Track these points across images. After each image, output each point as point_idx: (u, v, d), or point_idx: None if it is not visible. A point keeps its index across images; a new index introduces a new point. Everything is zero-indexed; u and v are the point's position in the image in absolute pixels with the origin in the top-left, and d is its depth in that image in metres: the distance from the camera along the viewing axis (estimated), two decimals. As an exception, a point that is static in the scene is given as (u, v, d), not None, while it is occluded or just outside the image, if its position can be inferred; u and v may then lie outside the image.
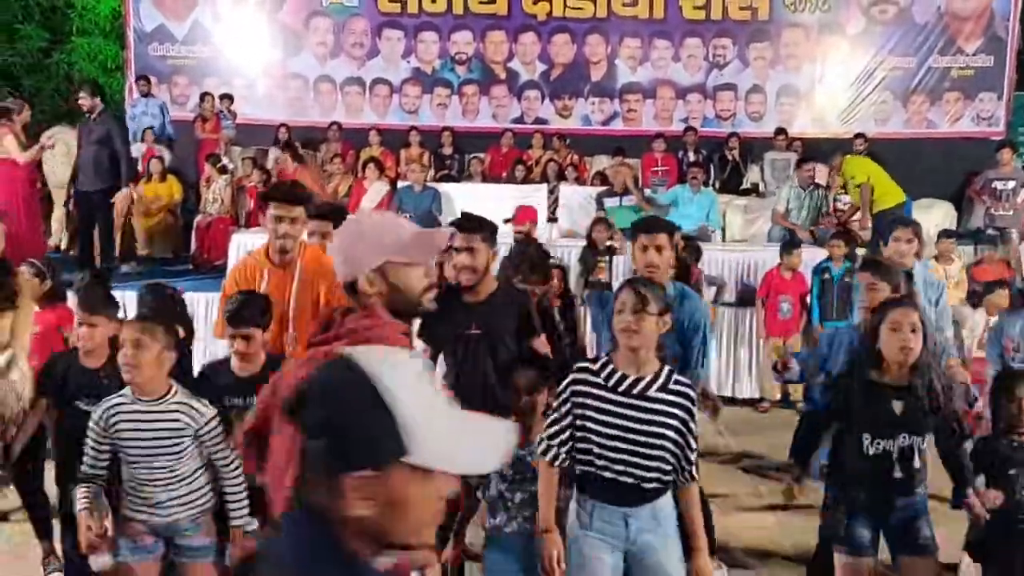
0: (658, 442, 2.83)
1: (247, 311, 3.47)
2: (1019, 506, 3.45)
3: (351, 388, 1.23)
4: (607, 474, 2.86)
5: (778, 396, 7.74)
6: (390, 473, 1.22)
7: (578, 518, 2.96)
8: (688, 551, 2.94)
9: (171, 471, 3.16)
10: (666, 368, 2.91)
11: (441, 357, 3.79)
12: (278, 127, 11.75)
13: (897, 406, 3.12)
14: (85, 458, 3.21)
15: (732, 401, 7.47)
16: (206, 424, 3.18)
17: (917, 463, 3.16)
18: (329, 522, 1.24)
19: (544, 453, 2.97)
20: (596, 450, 2.86)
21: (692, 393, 2.90)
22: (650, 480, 2.85)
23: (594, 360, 2.99)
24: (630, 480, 2.84)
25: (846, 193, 9.46)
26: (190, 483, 3.20)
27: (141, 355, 3.07)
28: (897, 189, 8.97)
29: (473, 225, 3.75)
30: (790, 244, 7.94)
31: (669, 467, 2.86)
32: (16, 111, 8.40)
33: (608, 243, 7.57)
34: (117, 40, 13.37)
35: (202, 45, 12.61)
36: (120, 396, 3.19)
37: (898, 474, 3.12)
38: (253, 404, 3.41)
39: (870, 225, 8.95)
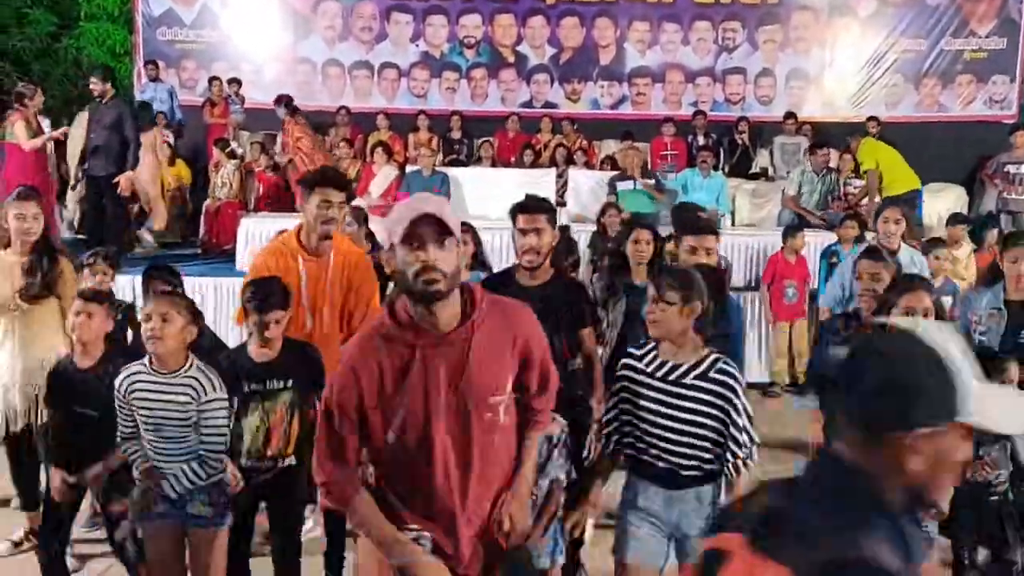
0: (694, 430, 2.82)
1: (274, 297, 3.47)
2: (989, 483, 3.48)
3: (918, 355, 1.38)
4: (647, 458, 2.89)
5: (787, 380, 7.73)
6: (945, 432, 1.37)
7: (625, 497, 3.00)
8: None
9: (180, 442, 3.21)
10: (711, 356, 2.88)
11: None
12: (286, 111, 11.72)
13: None
14: (120, 422, 3.30)
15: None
16: (208, 399, 3.21)
17: None
18: (865, 475, 1.38)
19: (605, 446, 3.04)
20: (638, 434, 2.91)
21: (734, 382, 2.86)
22: (688, 468, 2.85)
23: (641, 346, 3.01)
24: (668, 465, 2.86)
25: (858, 177, 9.42)
26: (193, 454, 3.24)
27: (167, 328, 3.14)
28: (911, 175, 8.93)
29: (537, 206, 3.72)
30: (793, 227, 7.90)
31: (709, 455, 2.85)
32: (29, 96, 8.42)
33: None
34: (125, 25, 13.36)
35: (210, 29, 12.61)
36: (139, 364, 3.24)
37: None
38: (273, 388, 3.44)
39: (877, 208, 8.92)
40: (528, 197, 3.84)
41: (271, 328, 3.45)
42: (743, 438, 2.84)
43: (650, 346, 2.96)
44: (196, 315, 3.31)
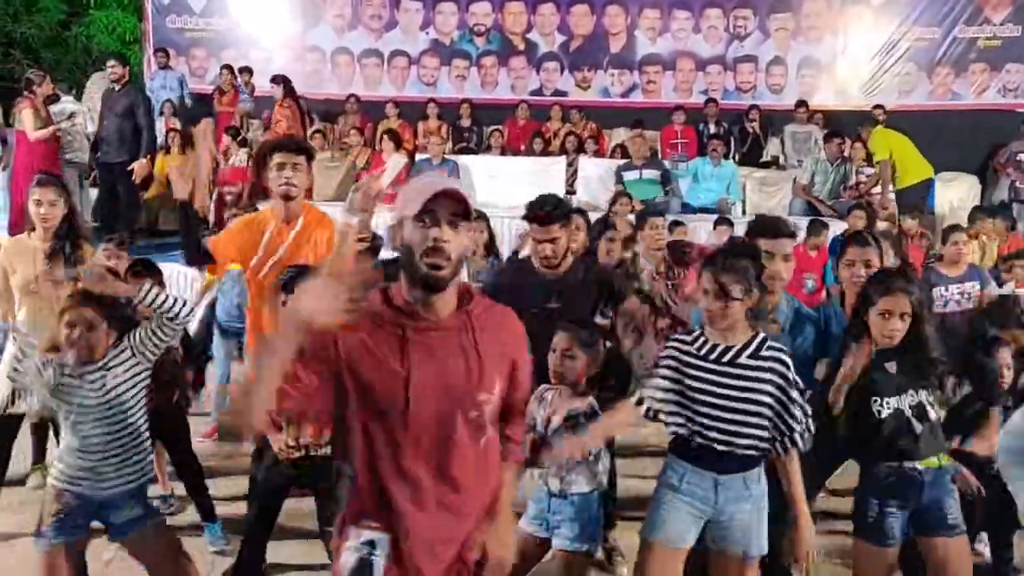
0: (753, 408, 2.82)
1: (299, 278, 3.49)
2: (990, 459, 3.43)
3: None
4: (700, 440, 2.87)
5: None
6: None
7: (668, 480, 2.97)
8: (784, 521, 2.94)
9: (115, 435, 3.14)
10: (760, 335, 2.89)
11: None
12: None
13: (891, 366, 3.12)
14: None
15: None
16: (135, 332, 3.21)
17: (933, 415, 3.14)
18: None
19: (639, 403, 2.97)
20: (692, 416, 2.88)
21: (786, 357, 2.87)
22: (745, 447, 2.85)
23: (688, 333, 3.01)
24: (724, 448, 2.85)
25: (869, 165, 9.37)
26: (131, 452, 3.18)
27: (95, 335, 3.14)
28: (924, 165, 8.86)
29: (548, 216, 3.70)
30: (819, 224, 7.83)
31: (765, 434, 2.85)
32: (38, 83, 8.44)
33: None
34: (135, 13, 13.38)
35: (220, 17, 12.59)
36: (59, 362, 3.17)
37: (918, 428, 3.09)
38: None
39: (892, 200, 8.88)
40: (540, 204, 3.78)
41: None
42: (798, 413, 2.85)
43: (697, 332, 2.96)
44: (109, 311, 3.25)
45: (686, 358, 2.91)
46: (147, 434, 3.24)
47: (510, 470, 2.40)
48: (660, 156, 10.77)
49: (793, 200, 9.55)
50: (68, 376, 3.14)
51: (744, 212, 9.63)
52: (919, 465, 3.10)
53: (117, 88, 8.62)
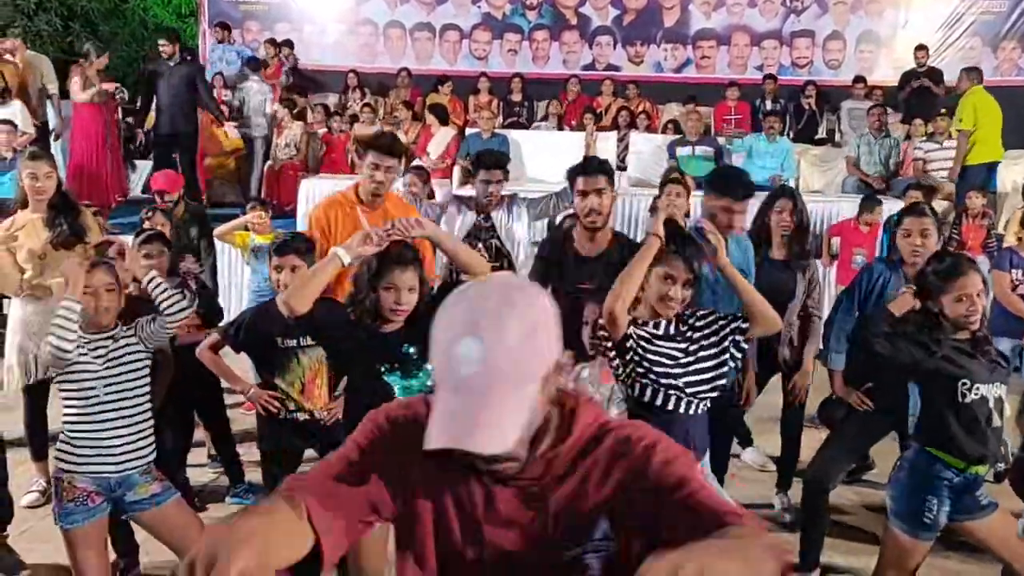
0: (705, 354, 2.98)
1: (294, 243, 3.60)
2: None
3: None
4: (664, 399, 2.96)
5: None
6: None
7: None
8: None
9: (125, 410, 3.12)
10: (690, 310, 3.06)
11: None
12: (348, 73, 11.78)
13: (981, 355, 3.06)
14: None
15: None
16: (145, 322, 3.19)
17: (1007, 412, 3.12)
18: None
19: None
20: (647, 384, 2.97)
21: (702, 313, 3.06)
22: (703, 394, 3.00)
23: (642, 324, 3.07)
24: (691, 397, 2.97)
25: (930, 140, 9.13)
26: (139, 429, 3.16)
27: (110, 302, 3.12)
28: (996, 147, 8.57)
29: (598, 167, 3.76)
30: (872, 200, 7.67)
31: (722, 379, 3.01)
32: (95, 55, 8.59)
33: None
34: (191, -15, 13.52)
35: (274, -10, 12.68)
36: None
37: (997, 422, 3.03)
38: (306, 344, 3.49)
39: (957, 176, 8.64)
40: (587, 159, 3.85)
41: (283, 273, 3.54)
42: (727, 318, 3.05)
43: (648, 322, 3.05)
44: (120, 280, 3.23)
45: (643, 342, 2.98)
46: (149, 411, 3.22)
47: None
48: (713, 132, 10.64)
49: (847, 177, 9.37)
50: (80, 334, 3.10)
51: (798, 189, 9.46)
52: (972, 469, 3.04)
53: (172, 64, 8.76)
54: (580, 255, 3.73)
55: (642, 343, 2.97)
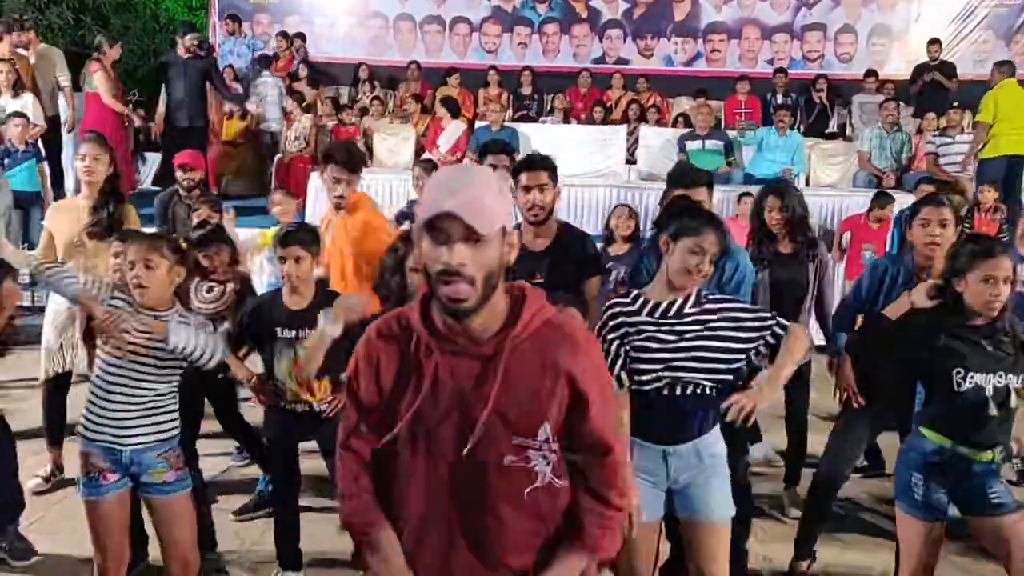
0: (703, 352, 2.81)
1: (297, 235, 3.61)
2: None
3: None
4: (656, 390, 2.84)
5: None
6: None
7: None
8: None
9: (146, 391, 3.08)
10: (695, 288, 2.88)
11: None
12: (358, 65, 11.80)
13: (987, 343, 3.03)
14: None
15: (819, 349, 7.30)
16: (166, 343, 3.07)
17: (1013, 403, 3.05)
18: None
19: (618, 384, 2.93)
20: (645, 377, 2.84)
21: (728, 301, 2.92)
22: (696, 392, 2.84)
23: (624, 295, 2.98)
24: (681, 401, 2.83)
25: (942, 135, 9.08)
26: (158, 413, 3.11)
27: (151, 274, 3.05)
28: (1019, 139, 8.48)
29: (539, 163, 3.78)
30: (884, 196, 7.65)
31: (717, 375, 2.83)
32: (109, 45, 8.62)
33: None
34: (202, -22, 13.53)
35: (284, -17, 12.69)
36: (121, 303, 3.11)
37: (993, 412, 3.01)
38: (305, 336, 3.51)
39: (972, 167, 8.58)
40: (530, 155, 3.90)
41: (287, 264, 3.54)
42: (761, 314, 2.89)
43: (634, 294, 2.94)
44: (181, 255, 3.19)
45: (630, 319, 2.86)
46: (173, 399, 3.17)
47: (571, 560, 1.85)
48: (723, 126, 10.61)
49: (858, 172, 9.34)
50: (124, 302, 3.10)
51: (808, 183, 9.45)
52: (971, 454, 3.03)
53: (185, 58, 8.79)
54: (528, 250, 3.75)
55: (627, 320, 2.88)
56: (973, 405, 3.01)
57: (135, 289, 3.07)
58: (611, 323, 2.90)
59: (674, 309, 2.85)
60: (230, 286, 4.17)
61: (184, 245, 3.73)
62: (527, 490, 1.78)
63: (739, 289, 3.45)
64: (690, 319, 2.83)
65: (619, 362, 2.87)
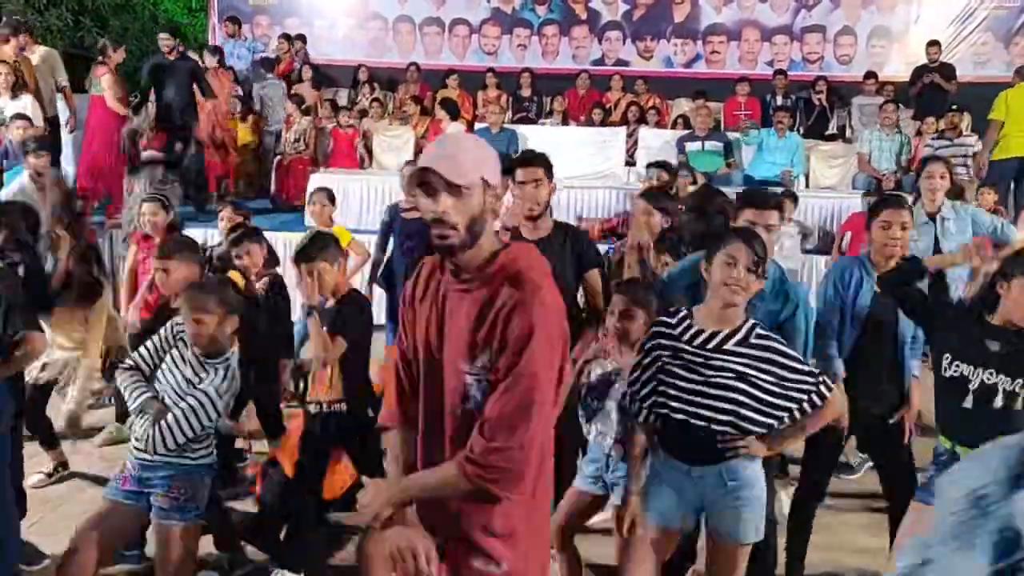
0: (731, 394, 2.73)
1: (309, 248, 3.64)
2: None
3: None
4: (677, 418, 2.80)
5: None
6: None
7: (652, 465, 2.97)
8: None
9: (176, 420, 3.11)
10: (749, 322, 2.79)
11: None
12: (357, 67, 11.80)
13: (993, 345, 3.01)
14: (141, 349, 3.29)
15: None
16: (203, 387, 3.13)
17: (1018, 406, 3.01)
18: None
19: (635, 414, 2.94)
20: (670, 403, 2.81)
21: (777, 343, 2.76)
22: (719, 433, 2.77)
23: (672, 313, 2.90)
24: (700, 432, 2.77)
25: (940, 137, 9.07)
26: (172, 434, 3.11)
27: (202, 328, 3.13)
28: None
29: (535, 159, 3.88)
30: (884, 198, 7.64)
31: (744, 422, 2.75)
32: (113, 48, 8.61)
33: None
34: (201, -20, 13.52)
35: (283, -15, 12.68)
36: (183, 338, 3.24)
37: (993, 413, 3.00)
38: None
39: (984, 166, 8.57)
40: (526, 151, 4.02)
41: (305, 278, 3.59)
42: (807, 378, 2.76)
43: (682, 314, 2.86)
44: (231, 302, 3.23)
45: (667, 342, 2.82)
46: (194, 430, 3.14)
47: (446, 471, 2.04)
48: (723, 127, 10.60)
49: (857, 174, 9.33)
50: (182, 343, 3.23)
51: (808, 185, 9.45)
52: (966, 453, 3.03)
53: (174, 59, 8.79)
54: (523, 239, 3.84)
55: (666, 342, 2.83)
56: (954, 394, 3.04)
57: (190, 340, 3.18)
58: (649, 343, 2.88)
59: (714, 342, 2.76)
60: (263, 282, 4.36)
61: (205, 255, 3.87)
62: (459, 410, 2.04)
63: (794, 329, 3.23)
64: (728, 358, 2.74)
65: (644, 391, 2.87)
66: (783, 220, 3.73)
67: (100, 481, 4.61)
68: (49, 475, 4.70)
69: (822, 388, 2.76)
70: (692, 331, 2.79)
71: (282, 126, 10.28)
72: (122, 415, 5.13)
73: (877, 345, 3.61)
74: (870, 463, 4.91)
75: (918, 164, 9.19)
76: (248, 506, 4.35)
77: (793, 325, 3.22)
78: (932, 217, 5.02)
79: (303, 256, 3.61)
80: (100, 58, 8.61)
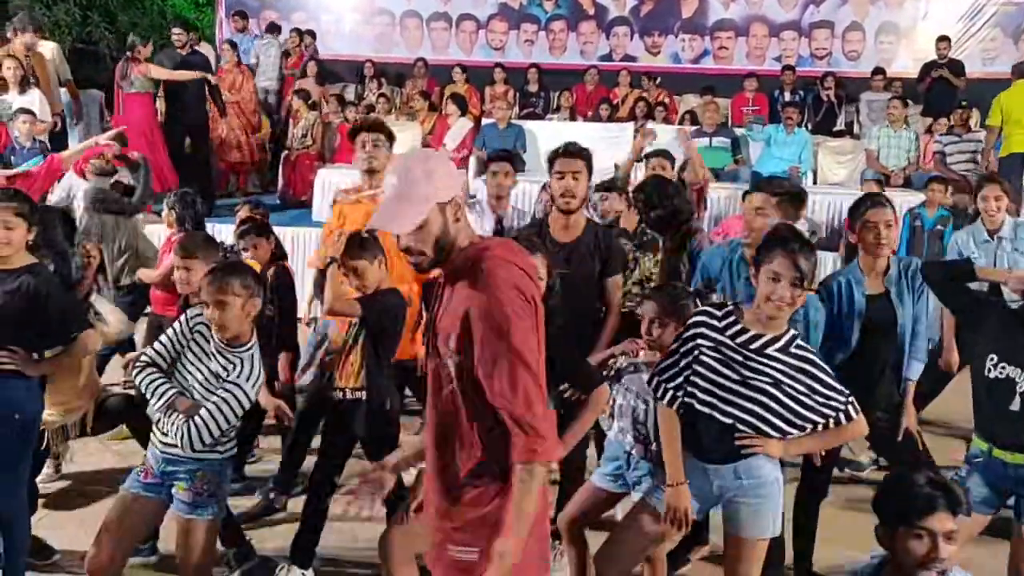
0: (762, 398, 2.75)
1: (348, 249, 3.62)
2: None
3: None
4: (702, 411, 2.81)
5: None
6: None
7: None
8: None
9: (210, 414, 3.04)
10: (791, 331, 2.81)
11: None
12: (364, 63, 11.79)
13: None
14: (156, 345, 3.19)
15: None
16: (232, 380, 3.06)
17: None
18: None
19: (660, 395, 2.92)
20: (698, 394, 2.82)
21: (814, 356, 2.81)
22: (741, 430, 2.79)
23: (719, 306, 2.90)
24: (721, 429, 2.79)
25: (949, 134, 9.04)
26: (190, 427, 3.03)
27: (225, 314, 3.04)
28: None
29: (577, 151, 3.82)
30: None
31: (765, 425, 2.78)
32: (142, 45, 8.63)
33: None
34: (209, -25, 13.52)
35: (291, -20, 12.68)
36: (204, 328, 3.15)
37: (1017, 406, 2.99)
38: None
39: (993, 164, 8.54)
40: (568, 143, 3.92)
41: (355, 278, 3.61)
42: (838, 396, 2.79)
43: (729, 308, 2.86)
44: (255, 285, 3.13)
45: (708, 332, 2.82)
46: (216, 425, 3.05)
47: (516, 473, 2.06)
48: (731, 123, 10.58)
49: (866, 170, 9.31)
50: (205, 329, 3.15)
51: (815, 181, 9.43)
52: (1006, 456, 3.01)
53: (185, 53, 8.80)
54: (557, 242, 3.77)
55: (709, 333, 2.82)
56: (1001, 397, 3.00)
57: (214, 327, 3.10)
58: (687, 333, 2.87)
59: (758, 343, 2.77)
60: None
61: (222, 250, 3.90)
62: (443, 391, 2.20)
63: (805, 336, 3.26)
64: (768, 362, 2.76)
65: (674, 372, 2.87)
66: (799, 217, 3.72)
67: (109, 477, 4.63)
68: (57, 470, 4.70)
69: (850, 409, 2.81)
70: (736, 328, 2.80)
71: (268, 83, 10.47)
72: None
73: (875, 347, 3.60)
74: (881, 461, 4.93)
75: (927, 160, 9.21)
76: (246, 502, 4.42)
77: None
78: (992, 235, 5.07)
79: (348, 254, 3.60)
80: (129, 54, 8.58)
